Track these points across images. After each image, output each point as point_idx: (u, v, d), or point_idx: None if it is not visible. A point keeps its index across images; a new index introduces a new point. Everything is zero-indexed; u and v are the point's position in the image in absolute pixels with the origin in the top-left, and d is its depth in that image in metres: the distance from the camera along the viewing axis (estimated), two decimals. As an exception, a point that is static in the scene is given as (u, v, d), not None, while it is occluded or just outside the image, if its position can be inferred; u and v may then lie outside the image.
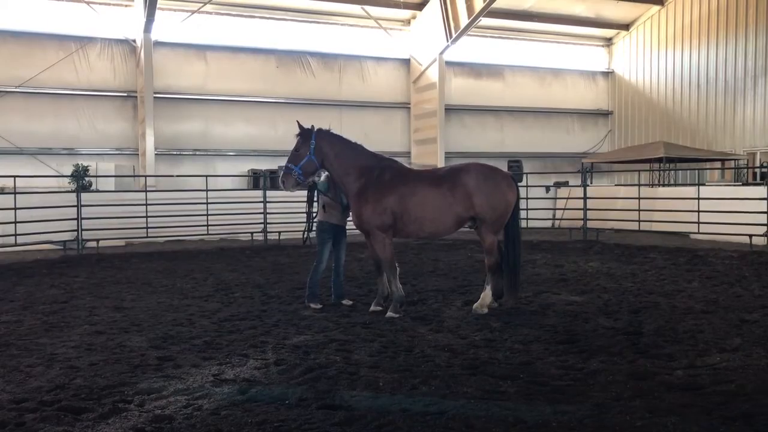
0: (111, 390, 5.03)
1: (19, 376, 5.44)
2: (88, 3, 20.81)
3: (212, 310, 8.28)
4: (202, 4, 21.84)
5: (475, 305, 7.96)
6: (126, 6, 21.37)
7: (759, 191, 15.00)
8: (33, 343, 6.60)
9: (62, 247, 15.02)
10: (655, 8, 26.80)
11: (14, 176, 14.89)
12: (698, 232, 15.63)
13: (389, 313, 7.72)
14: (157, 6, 19.66)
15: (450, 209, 7.82)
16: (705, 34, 25.02)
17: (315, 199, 8.46)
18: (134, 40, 21.48)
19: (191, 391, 5.03)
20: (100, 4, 21.14)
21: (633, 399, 4.72)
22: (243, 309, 8.31)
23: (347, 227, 8.67)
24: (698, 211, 15.33)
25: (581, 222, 17.45)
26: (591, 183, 21.52)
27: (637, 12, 27.39)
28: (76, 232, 15.00)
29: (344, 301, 8.55)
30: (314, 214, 8.52)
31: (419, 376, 5.32)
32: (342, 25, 24.72)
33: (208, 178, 17.37)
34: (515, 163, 23.76)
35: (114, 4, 21.39)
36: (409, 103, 25.74)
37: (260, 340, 6.60)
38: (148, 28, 20.37)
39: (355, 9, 23.89)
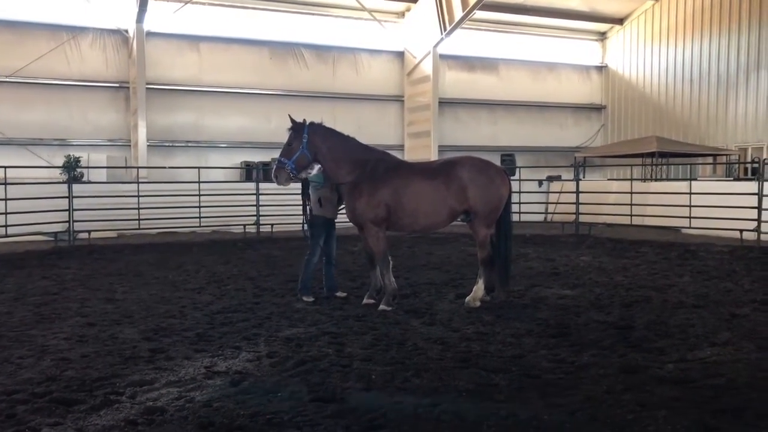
0: (103, 382, 5.02)
1: (10, 368, 5.42)
2: (79, -8, 20.65)
3: (204, 302, 8.27)
4: (195, -5, 21.70)
5: (467, 298, 7.98)
6: (118, -5, 21.21)
7: (750, 186, 15.06)
8: (24, 334, 6.58)
9: (53, 239, 14.93)
10: (649, 3, 26.82)
11: (5, 167, 14.74)
12: (690, 227, 15.68)
13: (382, 306, 7.73)
14: (150, -4, 19.56)
15: (444, 202, 7.82)
16: (698, 28, 25.06)
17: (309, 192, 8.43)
18: (126, 31, 21.31)
19: (183, 383, 5.02)
20: (92, -7, 20.99)
21: (624, 392, 4.75)
22: (235, 301, 8.30)
23: (340, 220, 8.66)
24: (690, 206, 15.37)
25: (573, 216, 17.49)
26: (583, 177, 21.54)
27: (631, 6, 27.41)
28: (67, 224, 14.90)
29: (337, 294, 8.57)
30: (308, 207, 8.49)
31: (411, 368, 5.33)
32: (336, 16, 24.60)
33: (201, 169, 17.32)
34: (508, 156, 23.79)
35: (106, -6, 21.23)
36: (403, 96, 25.67)
37: (253, 333, 6.60)
38: (140, 19, 20.23)
39: (349, 1, 23.78)
